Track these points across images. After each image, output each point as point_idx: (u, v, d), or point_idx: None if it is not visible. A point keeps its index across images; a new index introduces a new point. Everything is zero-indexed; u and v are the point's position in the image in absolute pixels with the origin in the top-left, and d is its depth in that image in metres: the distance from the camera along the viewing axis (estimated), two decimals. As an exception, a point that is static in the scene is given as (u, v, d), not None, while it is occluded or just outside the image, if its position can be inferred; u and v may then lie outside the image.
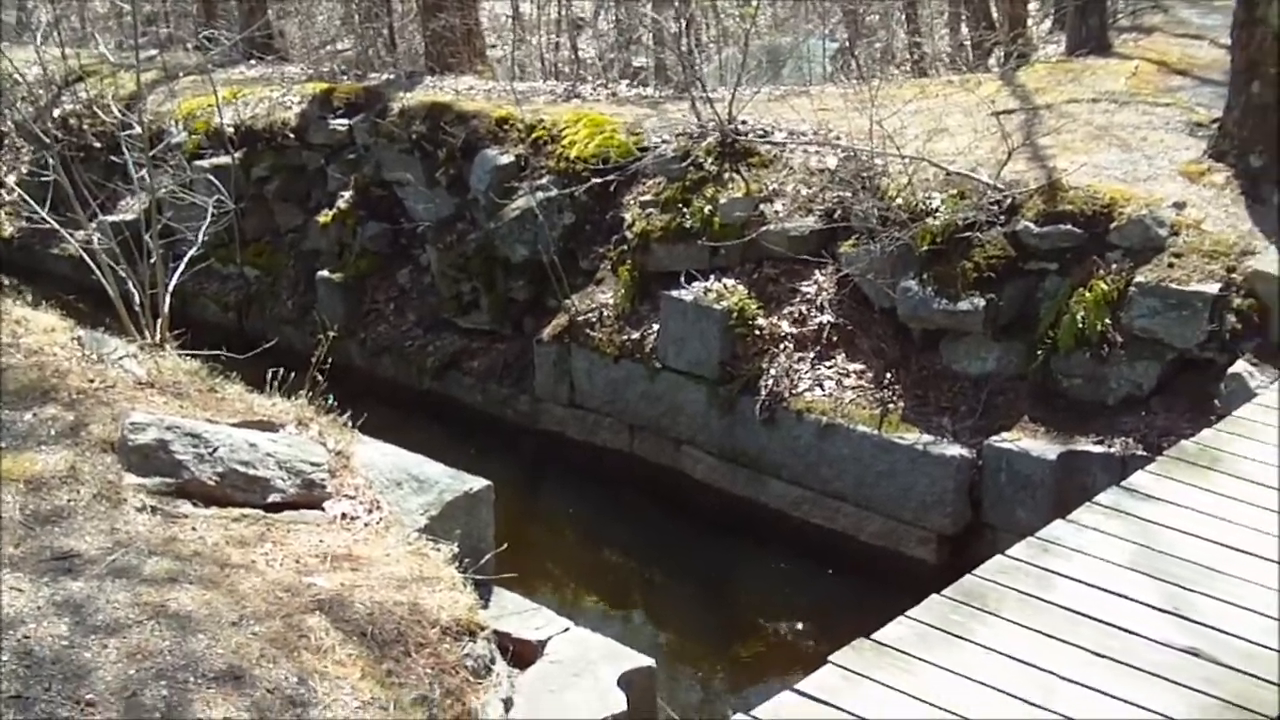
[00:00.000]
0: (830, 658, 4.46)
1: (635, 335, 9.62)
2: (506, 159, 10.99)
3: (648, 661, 5.53)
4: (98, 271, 7.89)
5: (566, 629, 5.62)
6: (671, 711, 6.07)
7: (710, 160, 10.05)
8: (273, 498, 5.62)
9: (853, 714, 4.16)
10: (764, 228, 9.39)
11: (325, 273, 11.76)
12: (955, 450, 8.10)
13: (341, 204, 11.93)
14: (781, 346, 8.95)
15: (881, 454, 8.31)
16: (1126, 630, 4.73)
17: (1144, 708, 4.29)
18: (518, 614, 5.70)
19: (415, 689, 4.64)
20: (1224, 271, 7.91)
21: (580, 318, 9.90)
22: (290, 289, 12.23)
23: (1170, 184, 8.75)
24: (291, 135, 12.57)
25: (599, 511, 9.45)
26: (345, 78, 13.33)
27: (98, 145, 13.30)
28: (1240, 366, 7.52)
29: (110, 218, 11.47)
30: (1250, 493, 5.84)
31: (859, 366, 8.77)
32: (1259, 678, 4.47)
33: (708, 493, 9.19)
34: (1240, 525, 5.55)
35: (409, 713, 4.46)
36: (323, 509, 5.70)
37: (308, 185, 12.51)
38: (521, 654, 5.42)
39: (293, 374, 6.71)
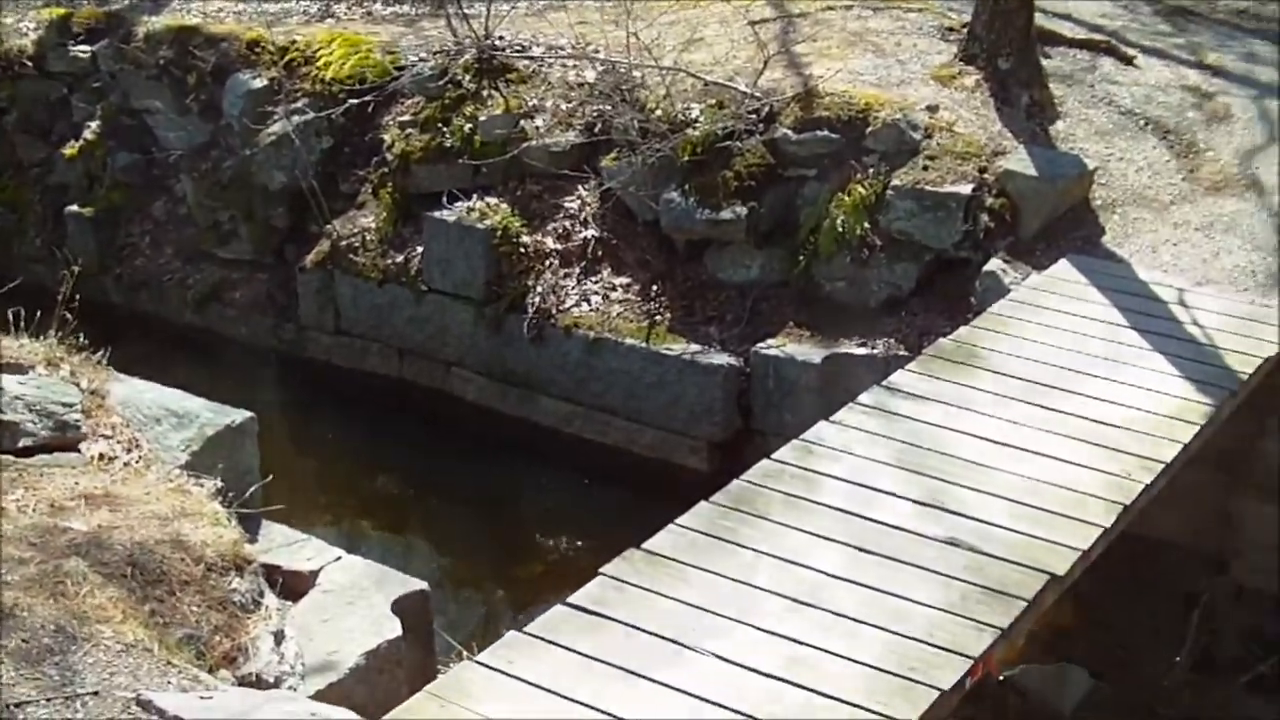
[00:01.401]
0: (601, 570, 4.46)
1: (400, 258, 9.45)
2: (259, 83, 10.61)
3: (421, 585, 5.46)
4: None
5: (339, 558, 5.50)
6: (449, 635, 6.02)
7: (469, 78, 9.88)
8: (23, 442, 5.38)
9: (625, 623, 4.17)
10: (525, 144, 9.27)
11: (75, 207, 11.23)
12: (723, 359, 8.17)
13: (89, 135, 11.39)
14: (547, 263, 8.89)
15: (650, 366, 8.33)
16: (890, 526, 4.82)
17: (909, 599, 4.38)
18: (287, 546, 5.56)
19: (181, 627, 4.50)
20: (976, 172, 8.10)
21: (343, 243, 9.68)
22: (38, 226, 11.64)
23: (924, 88, 8.90)
24: (29, 63, 11.98)
25: (371, 438, 9.31)
26: (85, 2, 12.76)
27: None
28: (994, 264, 7.71)
29: None
30: (1005, 386, 5.99)
31: (625, 280, 8.75)
32: (1017, 563, 4.60)
33: (480, 414, 9.12)
34: (996, 418, 5.70)
35: (175, 653, 4.32)
36: (78, 450, 5.48)
37: (51, 116, 11.94)
38: (293, 586, 5.30)
39: (40, 313, 6.41)
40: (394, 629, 5.08)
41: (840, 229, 8.18)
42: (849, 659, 4.08)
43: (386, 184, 9.80)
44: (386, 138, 9.95)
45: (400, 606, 5.24)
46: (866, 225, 8.16)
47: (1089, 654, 6.52)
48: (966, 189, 8.01)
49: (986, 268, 7.74)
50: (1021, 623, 4.40)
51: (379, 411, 9.47)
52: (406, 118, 9.97)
